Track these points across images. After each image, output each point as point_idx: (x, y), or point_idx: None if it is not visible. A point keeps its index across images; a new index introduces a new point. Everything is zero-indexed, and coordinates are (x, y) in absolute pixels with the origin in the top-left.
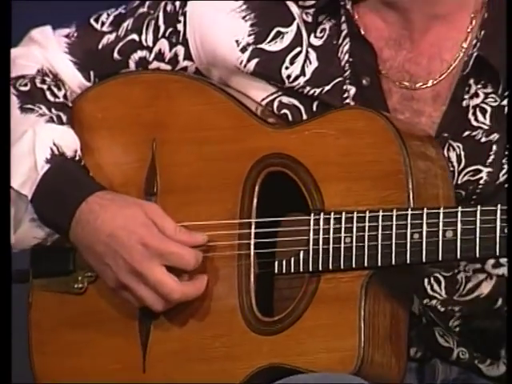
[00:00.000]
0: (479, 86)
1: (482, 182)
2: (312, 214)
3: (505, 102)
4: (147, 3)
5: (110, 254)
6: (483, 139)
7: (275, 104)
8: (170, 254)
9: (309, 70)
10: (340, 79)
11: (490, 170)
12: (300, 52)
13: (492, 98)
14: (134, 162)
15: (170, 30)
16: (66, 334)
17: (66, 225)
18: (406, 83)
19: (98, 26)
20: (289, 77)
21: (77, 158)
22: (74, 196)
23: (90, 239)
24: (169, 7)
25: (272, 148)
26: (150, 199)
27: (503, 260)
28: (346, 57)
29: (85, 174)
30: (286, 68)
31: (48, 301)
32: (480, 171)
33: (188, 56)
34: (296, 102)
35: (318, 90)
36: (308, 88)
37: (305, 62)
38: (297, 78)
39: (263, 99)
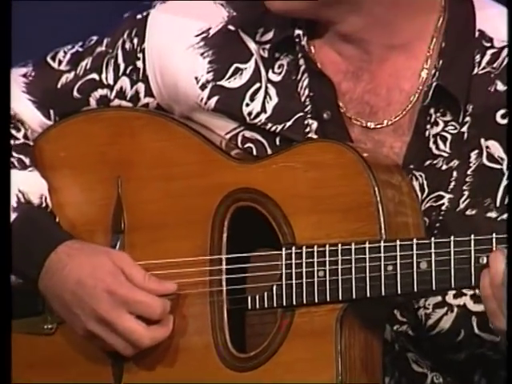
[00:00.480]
0: (438, 115)
1: (443, 208)
2: (283, 249)
3: (464, 129)
4: (105, 41)
5: (78, 303)
6: (444, 166)
7: (239, 138)
8: (137, 302)
9: (269, 107)
10: (301, 114)
11: (451, 196)
12: (259, 88)
13: (452, 125)
14: (99, 200)
15: (130, 67)
16: (37, 375)
17: (35, 275)
18: (367, 117)
19: (55, 65)
20: (250, 114)
21: (43, 204)
22: (43, 247)
23: (58, 288)
24: (127, 45)
25: (240, 183)
26: (118, 237)
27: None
28: (306, 92)
29: (52, 222)
30: (247, 105)
31: (18, 342)
32: (442, 197)
33: (149, 93)
34: (259, 137)
35: (279, 127)
36: (270, 125)
37: (265, 98)
38: (258, 114)
39: (227, 133)
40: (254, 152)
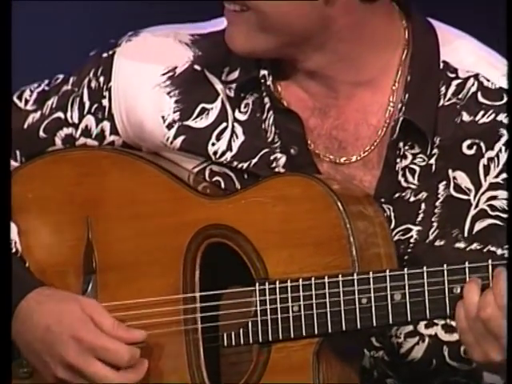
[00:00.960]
0: (407, 148)
1: (412, 240)
2: (257, 285)
3: (432, 161)
4: (71, 80)
5: (47, 350)
6: (412, 199)
7: (206, 172)
8: (104, 349)
9: (235, 145)
10: (266, 150)
11: (419, 228)
12: (226, 127)
13: (420, 158)
14: (69, 241)
15: (95, 105)
16: None
17: None
18: (336, 153)
19: (21, 105)
20: (215, 153)
21: (13, 249)
22: (13, 295)
23: (28, 336)
24: (93, 84)
25: (210, 219)
26: (90, 278)
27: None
28: (273, 129)
29: (22, 268)
30: (213, 144)
31: None
32: (410, 230)
33: (114, 131)
34: (227, 170)
35: (245, 164)
36: (235, 163)
37: (231, 136)
38: (223, 153)
39: (194, 167)
40: (222, 185)
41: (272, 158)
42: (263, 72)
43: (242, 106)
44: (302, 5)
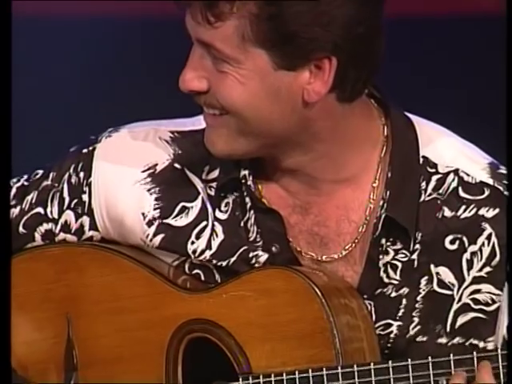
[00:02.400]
0: (389, 244)
1: (392, 335)
2: (240, 379)
3: (414, 256)
4: (50, 175)
5: None
6: (393, 294)
7: (186, 265)
8: None
9: (215, 244)
10: (245, 248)
11: (399, 323)
12: (206, 226)
13: (402, 253)
14: (49, 338)
15: (75, 201)
16: None
17: None
18: (317, 249)
19: None
20: (194, 252)
21: None
22: None
23: None
24: (73, 179)
25: (191, 314)
26: (71, 374)
27: None
28: (255, 228)
29: None
30: (192, 243)
31: None
32: (390, 325)
33: (94, 227)
34: (206, 263)
35: (224, 263)
36: (214, 261)
37: (211, 235)
38: (202, 252)
39: (173, 261)
40: (202, 277)
41: (251, 255)
42: (243, 172)
43: (223, 205)
44: (281, 109)
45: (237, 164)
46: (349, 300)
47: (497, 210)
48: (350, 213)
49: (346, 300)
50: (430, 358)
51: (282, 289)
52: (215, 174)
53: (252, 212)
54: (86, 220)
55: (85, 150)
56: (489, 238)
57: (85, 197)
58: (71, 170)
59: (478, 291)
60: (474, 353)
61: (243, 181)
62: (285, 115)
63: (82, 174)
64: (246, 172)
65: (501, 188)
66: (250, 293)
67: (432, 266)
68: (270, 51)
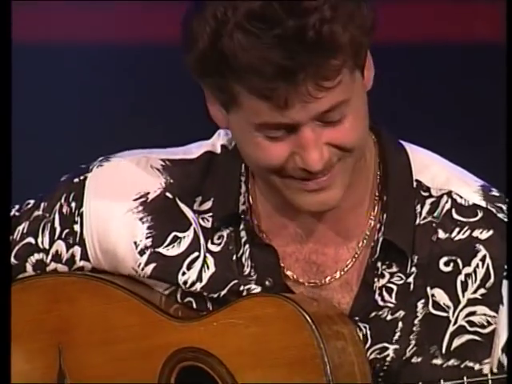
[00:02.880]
0: (384, 267)
1: (388, 358)
2: None
3: (410, 279)
4: (42, 206)
5: None
6: (389, 317)
7: (178, 294)
8: None
9: (206, 276)
10: (235, 282)
11: (396, 346)
12: (198, 257)
13: (398, 276)
14: (41, 368)
15: (66, 231)
16: None
17: None
18: (313, 276)
19: None
20: (185, 283)
21: None
22: None
23: None
24: (64, 209)
25: (182, 342)
26: None
27: None
28: (249, 262)
29: None
30: (183, 274)
31: None
32: (386, 348)
33: (85, 256)
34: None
35: (214, 295)
36: (205, 293)
37: (202, 267)
38: (193, 283)
39: (165, 290)
40: (194, 306)
41: (242, 288)
42: (242, 207)
43: (216, 237)
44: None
45: (235, 199)
46: (340, 326)
47: (490, 232)
48: (350, 239)
49: (337, 326)
50: (420, 383)
51: (273, 316)
52: (208, 205)
53: (247, 246)
54: (77, 250)
55: (76, 180)
56: (483, 259)
57: (76, 227)
58: (62, 200)
59: (473, 313)
60: (465, 378)
61: (242, 216)
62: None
63: (73, 204)
64: (245, 207)
65: (494, 210)
66: (240, 320)
67: (428, 289)
68: (360, 66)
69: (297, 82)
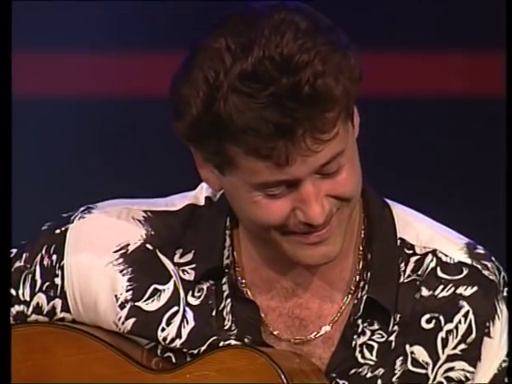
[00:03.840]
0: (366, 324)
1: None
2: None
3: (392, 338)
4: (23, 256)
5: None
6: (369, 374)
7: (159, 349)
8: None
9: (185, 331)
10: (215, 338)
11: None
12: (177, 312)
13: (379, 334)
14: None
15: (47, 284)
16: None
17: None
18: (296, 331)
19: None
20: (165, 339)
21: None
22: None
23: None
24: (45, 261)
25: None
26: None
27: None
28: (229, 316)
29: None
30: (163, 330)
31: None
32: None
33: (66, 308)
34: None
35: (194, 351)
36: (185, 350)
37: (181, 322)
38: (173, 340)
39: (147, 344)
40: (173, 360)
41: (221, 344)
42: (226, 261)
43: (196, 290)
44: None
45: (219, 253)
46: (312, 381)
47: (475, 288)
48: (334, 293)
49: (310, 381)
50: None
51: (245, 369)
52: (189, 257)
53: (229, 300)
54: (58, 302)
55: (57, 231)
56: (466, 315)
57: (57, 280)
58: (43, 252)
59: (451, 369)
60: None
61: (226, 270)
62: None
63: (54, 257)
64: (229, 261)
65: (479, 267)
66: (213, 373)
67: (407, 346)
68: (350, 115)
69: (296, 138)
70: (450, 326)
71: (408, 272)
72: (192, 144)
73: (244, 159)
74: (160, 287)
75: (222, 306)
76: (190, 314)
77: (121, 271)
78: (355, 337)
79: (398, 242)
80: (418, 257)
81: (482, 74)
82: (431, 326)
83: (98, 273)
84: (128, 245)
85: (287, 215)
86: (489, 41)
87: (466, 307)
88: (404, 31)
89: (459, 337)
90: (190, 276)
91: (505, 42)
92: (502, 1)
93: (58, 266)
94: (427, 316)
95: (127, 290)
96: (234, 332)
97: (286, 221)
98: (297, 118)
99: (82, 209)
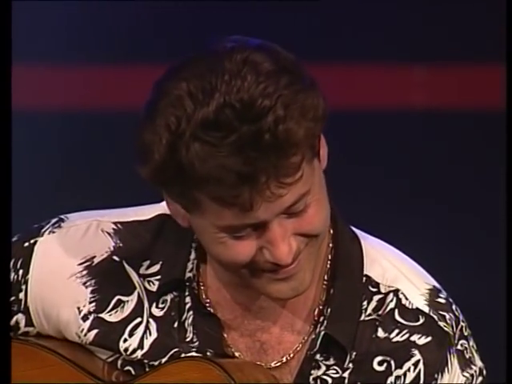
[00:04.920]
0: (322, 358)
1: None
2: None
3: (345, 374)
4: None
5: None
6: None
7: (119, 362)
8: None
9: (147, 343)
10: (176, 350)
11: None
12: (140, 323)
13: (334, 369)
14: None
15: (11, 298)
16: None
17: None
18: (256, 354)
19: None
20: (126, 350)
21: None
22: None
23: None
24: (12, 276)
25: None
26: None
27: None
28: (191, 328)
29: None
30: (125, 341)
31: None
32: None
33: (29, 323)
34: (138, 361)
35: (155, 363)
36: (146, 361)
37: (144, 333)
38: (134, 351)
39: (108, 358)
40: (133, 372)
41: (183, 356)
42: (189, 274)
43: (160, 301)
44: None
45: (183, 265)
46: None
47: (429, 338)
48: (296, 323)
49: None
50: None
51: (199, 380)
52: (156, 268)
53: (191, 313)
54: (21, 317)
55: (26, 244)
56: (416, 364)
57: (21, 295)
58: (11, 265)
59: None
60: None
61: (187, 283)
62: None
63: (20, 272)
64: (191, 274)
65: (435, 317)
66: None
67: None
68: (316, 153)
69: (259, 185)
70: (399, 371)
71: (369, 310)
72: (158, 187)
73: (209, 204)
74: (124, 298)
75: (184, 317)
76: (153, 326)
77: (84, 283)
78: (312, 371)
79: (364, 278)
80: (381, 296)
81: (480, 87)
82: (382, 368)
83: (61, 285)
84: (94, 257)
85: (254, 254)
86: (488, 53)
87: (418, 356)
88: (406, 44)
89: None
90: (155, 287)
91: (504, 55)
92: (501, 12)
93: (23, 280)
94: (380, 358)
95: (90, 302)
96: (196, 344)
97: (254, 259)
98: (259, 166)
99: (53, 221)
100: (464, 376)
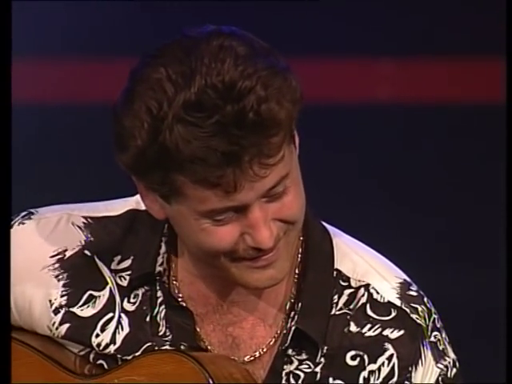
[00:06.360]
0: (294, 353)
1: None
2: None
3: (318, 369)
4: None
5: None
6: None
7: (91, 356)
8: None
9: (119, 338)
10: (149, 344)
11: None
12: (112, 318)
13: (306, 364)
14: None
15: None
16: None
17: None
18: (228, 349)
19: None
20: (99, 345)
21: None
22: None
23: None
24: None
25: None
26: None
27: None
28: (164, 322)
29: None
30: (97, 336)
31: None
32: None
33: None
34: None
35: (128, 358)
36: (119, 356)
37: (116, 328)
38: (107, 346)
39: (80, 351)
40: (106, 366)
41: (156, 349)
42: (159, 268)
43: (132, 296)
44: None
45: (153, 259)
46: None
47: (401, 332)
48: (268, 317)
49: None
50: None
51: (172, 373)
52: (127, 263)
53: (163, 307)
54: None
55: None
56: (389, 358)
57: None
58: None
59: None
60: None
61: (158, 277)
62: None
63: None
64: (162, 268)
65: (407, 310)
66: (141, 377)
67: (331, 379)
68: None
69: (243, 165)
70: (373, 366)
71: (340, 305)
72: (136, 175)
73: (191, 188)
74: (95, 293)
75: (156, 311)
76: (125, 320)
77: (56, 276)
78: (285, 366)
79: (334, 273)
80: (351, 290)
81: (480, 81)
82: (355, 363)
83: (33, 277)
84: (66, 250)
85: (236, 240)
86: (488, 47)
87: (391, 350)
88: (403, 37)
89: (381, 379)
90: (126, 282)
91: (504, 48)
92: (501, 7)
93: None
94: (352, 353)
95: (62, 296)
96: (169, 338)
97: (235, 246)
98: (243, 145)
99: (23, 214)
100: (438, 367)
